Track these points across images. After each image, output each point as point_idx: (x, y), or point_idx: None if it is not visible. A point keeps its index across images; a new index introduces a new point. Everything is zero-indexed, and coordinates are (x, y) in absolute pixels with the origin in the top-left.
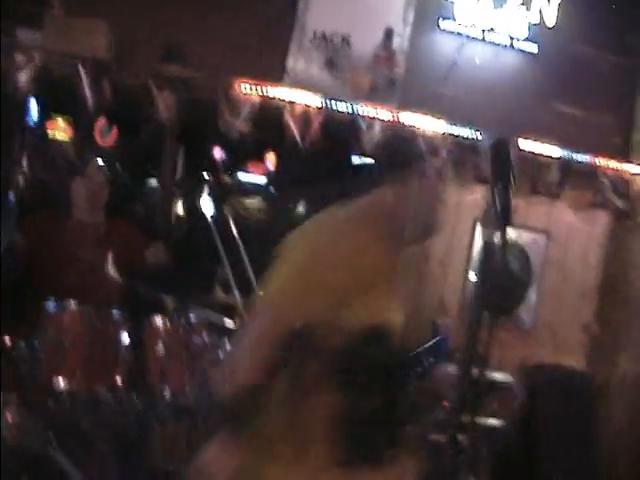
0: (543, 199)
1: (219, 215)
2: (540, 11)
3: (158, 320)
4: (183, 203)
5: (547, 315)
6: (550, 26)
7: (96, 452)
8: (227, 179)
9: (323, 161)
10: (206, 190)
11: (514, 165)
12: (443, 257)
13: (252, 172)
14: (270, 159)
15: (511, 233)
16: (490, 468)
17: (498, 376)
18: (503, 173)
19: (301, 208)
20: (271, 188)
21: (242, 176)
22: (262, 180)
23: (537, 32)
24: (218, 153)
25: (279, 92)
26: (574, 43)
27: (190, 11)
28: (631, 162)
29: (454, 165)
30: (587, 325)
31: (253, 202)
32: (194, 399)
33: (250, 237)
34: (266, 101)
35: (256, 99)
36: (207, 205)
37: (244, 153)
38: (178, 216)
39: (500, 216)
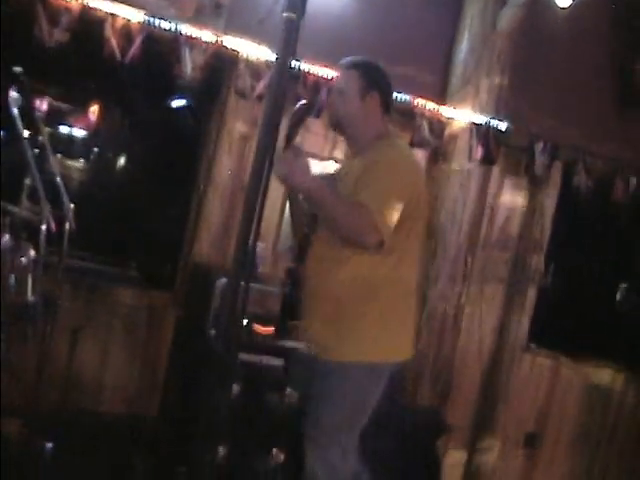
0: None
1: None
2: None
3: None
4: None
5: None
6: None
7: None
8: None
9: (144, 81)
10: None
11: None
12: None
13: (75, 125)
14: (93, 110)
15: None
16: None
17: None
18: None
19: (123, 161)
20: (94, 147)
21: (64, 129)
22: (84, 134)
23: None
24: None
25: (100, 4)
26: None
27: None
28: (446, 105)
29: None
30: None
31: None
32: None
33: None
34: (86, 11)
35: (76, 9)
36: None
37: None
38: None
39: None
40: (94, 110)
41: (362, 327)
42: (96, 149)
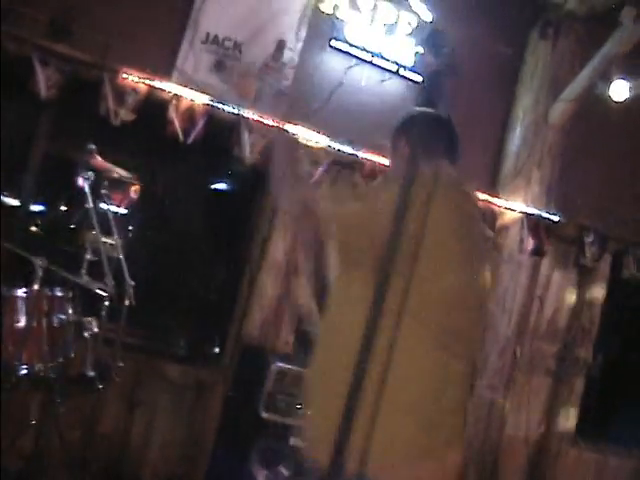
0: None
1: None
2: None
3: (20, 291)
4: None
5: None
6: None
7: None
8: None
9: (205, 161)
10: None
11: None
12: None
13: (115, 204)
14: (135, 189)
15: None
16: None
17: None
18: None
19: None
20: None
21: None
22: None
23: (422, 62)
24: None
25: (165, 86)
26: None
27: None
28: (499, 197)
29: (332, 179)
30: None
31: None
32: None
33: None
34: (151, 93)
35: (141, 90)
36: (84, 184)
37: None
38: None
39: None
40: (135, 189)
41: None
42: (131, 227)
